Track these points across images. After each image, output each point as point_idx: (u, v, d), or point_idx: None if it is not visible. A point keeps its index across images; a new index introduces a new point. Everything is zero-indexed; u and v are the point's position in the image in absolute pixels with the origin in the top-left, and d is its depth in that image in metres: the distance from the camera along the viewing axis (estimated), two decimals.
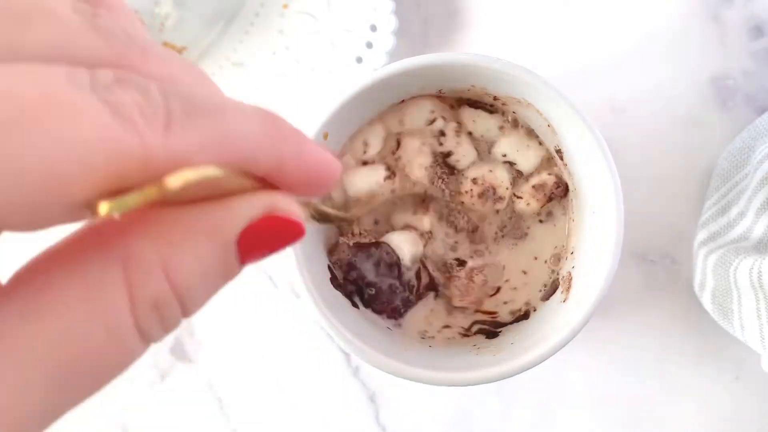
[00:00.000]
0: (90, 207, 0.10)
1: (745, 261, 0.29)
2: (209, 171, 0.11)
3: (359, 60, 0.36)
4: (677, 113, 0.35)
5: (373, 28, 0.35)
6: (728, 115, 0.35)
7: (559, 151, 0.29)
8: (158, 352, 0.37)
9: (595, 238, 0.27)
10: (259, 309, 0.37)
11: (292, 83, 0.37)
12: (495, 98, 0.29)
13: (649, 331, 0.35)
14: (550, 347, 0.25)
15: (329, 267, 0.30)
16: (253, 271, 0.37)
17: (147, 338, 0.12)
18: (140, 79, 0.11)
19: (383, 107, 0.30)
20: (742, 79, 0.35)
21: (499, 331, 0.30)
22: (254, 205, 0.13)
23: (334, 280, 0.29)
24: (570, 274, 0.28)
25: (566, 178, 0.30)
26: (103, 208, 0.10)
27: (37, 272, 0.11)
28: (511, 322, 0.30)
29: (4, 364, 0.10)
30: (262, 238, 0.13)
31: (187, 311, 0.13)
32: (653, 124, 0.35)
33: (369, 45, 0.35)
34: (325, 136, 0.27)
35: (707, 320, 0.33)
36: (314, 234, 0.29)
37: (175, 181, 0.11)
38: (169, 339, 0.37)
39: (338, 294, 0.29)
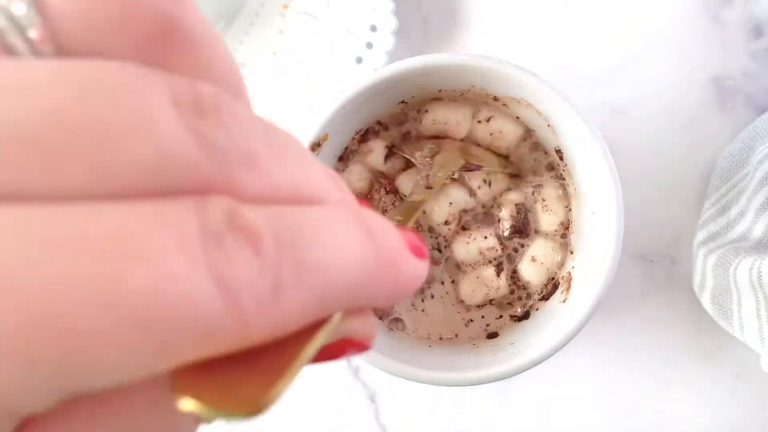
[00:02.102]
0: (173, 383, 0.09)
1: (744, 261, 0.29)
2: (308, 353, 0.10)
3: (359, 60, 0.36)
4: (677, 113, 0.35)
5: (373, 29, 0.35)
6: (728, 115, 0.35)
7: (558, 152, 0.29)
8: None
9: (595, 238, 0.27)
10: None
11: (292, 83, 0.37)
12: (495, 98, 0.29)
13: (649, 331, 0.35)
14: (550, 347, 0.25)
15: None
16: None
17: None
18: (252, 219, 0.10)
19: (383, 108, 0.30)
20: (742, 79, 0.35)
21: (499, 332, 0.30)
22: (335, 332, 0.12)
23: None
24: (570, 275, 0.29)
25: (566, 178, 0.30)
26: (185, 404, 0.09)
27: None
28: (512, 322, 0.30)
29: None
30: (329, 356, 0.13)
31: None
32: (653, 124, 0.35)
33: (369, 45, 0.35)
34: (325, 136, 0.27)
35: (707, 320, 0.33)
36: None
37: (273, 395, 0.09)
38: None
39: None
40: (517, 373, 0.25)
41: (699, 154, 0.35)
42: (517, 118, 0.30)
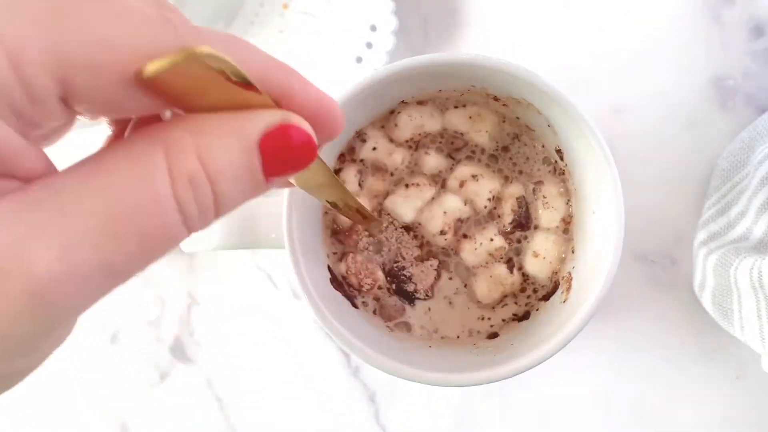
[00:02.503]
0: (137, 76, 0.12)
1: (745, 261, 0.29)
2: (229, 57, 0.13)
3: (359, 60, 0.36)
4: (678, 113, 0.35)
5: (373, 28, 0.35)
6: (728, 114, 0.35)
7: (559, 151, 0.29)
8: (158, 352, 0.37)
9: (596, 238, 0.27)
10: (259, 309, 0.37)
11: None
12: (495, 98, 0.29)
13: (650, 331, 0.35)
14: (550, 348, 0.25)
15: (329, 267, 0.30)
16: (253, 271, 0.37)
17: (185, 213, 0.13)
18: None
19: (383, 107, 0.30)
20: (742, 79, 0.35)
21: (499, 332, 0.30)
22: (272, 114, 0.15)
23: (333, 280, 0.29)
24: (570, 275, 0.28)
25: (566, 178, 0.30)
26: (149, 67, 0.12)
27: (94, 157, 0.13)
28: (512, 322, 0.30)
29: (64, 213, 0.12)
30: (280, 149, 0.15)
31: (218, 201, 0.14)
32: (653, 124, 0.35)
33: (369, 45, 0.35)
34: None
35: (707, 320, 0.33)
36: (314, 233, 0.29)
37: (202, 48, 0.12)
38: (169, 339, 0.37)
39: (338, 294, 0.29)
40: (517, 374, 0.25)
41: (699, 154, 0.35)
42: (517, 118, 0.30)
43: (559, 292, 0.29)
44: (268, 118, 0.15)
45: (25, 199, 0.12)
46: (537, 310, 0.30)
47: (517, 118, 0.30)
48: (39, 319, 0.12)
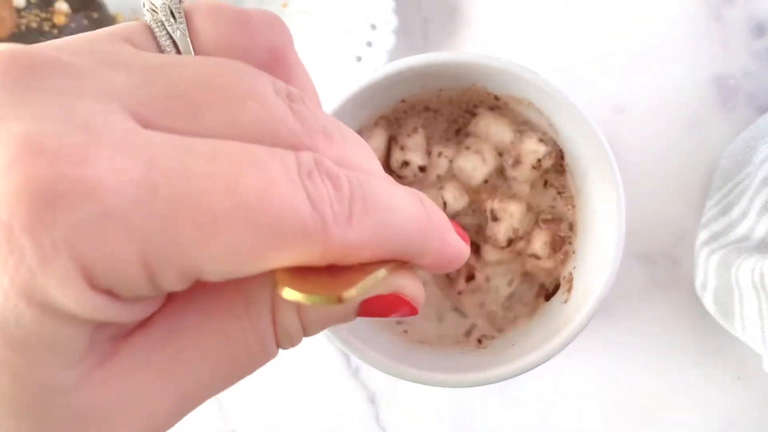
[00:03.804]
0: (276, 278, 0.13)
1: (746, 261, 0.29)
2: (380, 275, 0.14)
3: (359, 59, 0.36)
4: (679, 113, 0.35)
5: (373, 28, 0.35)
6: (730, 114, 0.35)
7: (560, 151, 0.29)
8: None
9: (597, 238, 0.27)
10: None
11: None
12: (496, 97, 0.29)
13: (651, 332, 0.35)
14: (551, 348, 0.25)
15: None
16: None
17: (280, 346, 0.15)
18: (333, 167, 0.13)
19: (383, 107, 0.30)
20: (743, 78, 0.35)
21: (500, 331, 0.30)
22: (386, 284, 0.15)
23: None
24: (571, 275, 0.28)
25: (567, 177, 0.30)
26: (286, 293, 0.12)
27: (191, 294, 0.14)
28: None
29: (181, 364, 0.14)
30: (382, 308, 0.16)
31: (306, 334, 0.15)
32: (655, 124, 0.35)
33: (369, 44, 0.35)
34: None
35: (709, 320, 0.33)
36: None
37: (351, 293, 0.13)
38: None
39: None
40: (518, 374, 0.25)
41: (700, 154, 0.35)
42: (518, 117, 0.30)
43: (560, 292, 0.29)
44: (380, 289, 0.15)
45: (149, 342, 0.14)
46: (538, 310, 0.30)
47: (518, 117, 0.30)
48: None
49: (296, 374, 0.36)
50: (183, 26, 0.15)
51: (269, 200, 0.12)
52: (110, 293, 0.12)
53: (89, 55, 0.13)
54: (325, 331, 0.26)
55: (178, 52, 0.15)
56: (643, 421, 0.35)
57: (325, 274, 0.13)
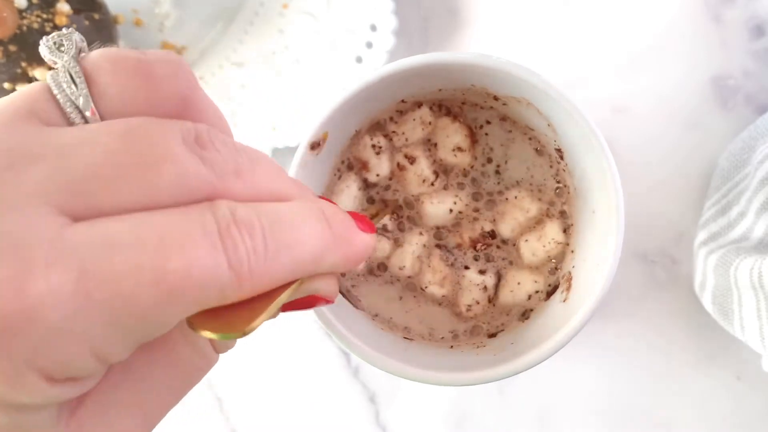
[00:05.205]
0: (189, 323, 0.15)
1: (745, 261, 0.29)
2: (283, 299, 0.15)
3: (359, 60, 0.36)
4: (678, 113, 0.35)
5: (373, 28, 0.35)
6: (729, 114, 0.35)
7: (559, 151, 0.29)
8: None
9: (596, 237, 0.27)
10: None
11: (292, 83, 0.37)
12: (495, 98, 0.29)
13: (650, 331, 0.35)
14: (550, 347, 0.25)
15: None
16: None
17: (219, 352, 0.19)
18: (246, 214, 0.15)
19: (383, 107, 0.30)
20: (742, 78, 0.35)
21: (500, 331, 0.30)
22: (303, 290, 0.17)
23: None
24: (570, 274, 0.28)
25: (566, 177, 0.30)
26: (200, 332, 0.14)
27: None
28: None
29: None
30: (301, 307, 0.18)
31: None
32: (654, 124, 0.35)
33: (369, 45, 0.35)
34: (325, 135, 0.27)
35: (708, 320, 0.33)
36: None
37: (255, 324, 0.15)
38: None
39: (339, 295, 0.29)
40: (517, 373, 0.25)
41: (700, 154, 0.35)
42: (517, 117, 0.30)
43: (559, 292, 0.29)
44: (295, 295, 0.16)
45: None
46: (537, 310, 0.30)
47: (517, 117, 0.30)
48: None
49: (296, 374, 0.36)
50: (85, 92, 0.15)
51: (193, 280, 0.13)
52: (70, 379, 0.14)
53: (1, 155, 0.13)
54: (325, 331, 0.26)
55: (84, 117, 0.15)
56: (642, 420, 0.35)
57: (235, 306, 0.15)
